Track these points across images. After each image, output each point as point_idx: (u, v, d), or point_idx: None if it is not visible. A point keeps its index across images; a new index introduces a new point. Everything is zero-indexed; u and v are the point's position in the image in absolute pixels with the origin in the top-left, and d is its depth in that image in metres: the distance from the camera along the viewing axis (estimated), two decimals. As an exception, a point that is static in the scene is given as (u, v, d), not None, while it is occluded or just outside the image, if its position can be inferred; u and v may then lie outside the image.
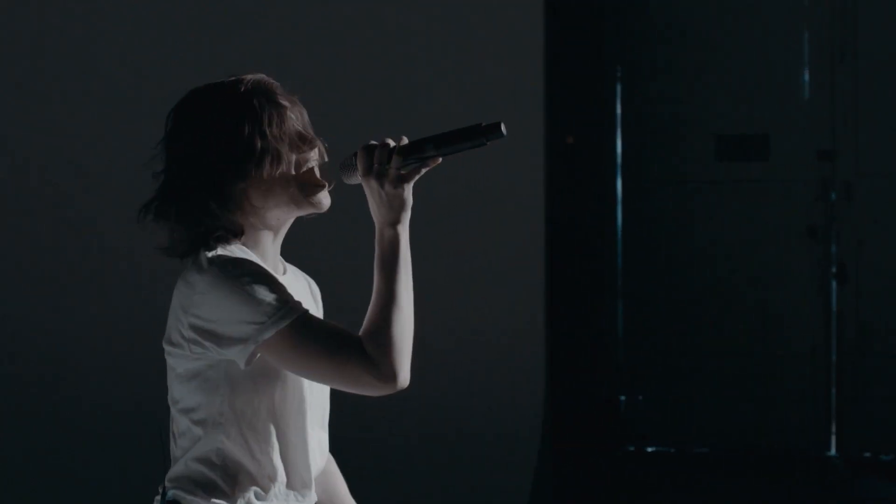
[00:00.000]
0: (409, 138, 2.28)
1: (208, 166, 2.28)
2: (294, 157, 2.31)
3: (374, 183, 2.25)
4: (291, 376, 2.30)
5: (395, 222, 2.27)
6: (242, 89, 2.31)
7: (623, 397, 6.32)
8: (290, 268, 2.50)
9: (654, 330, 6.33)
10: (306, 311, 2.23)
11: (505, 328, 5.27)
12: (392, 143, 2.26)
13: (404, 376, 2.23)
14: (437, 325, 5.33)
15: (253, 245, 2.35)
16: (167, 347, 2.31)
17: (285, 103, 2.33)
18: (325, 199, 2.34)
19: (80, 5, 5.48)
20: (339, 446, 5.00)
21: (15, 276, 5.48)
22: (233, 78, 2.35)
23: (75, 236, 5.45)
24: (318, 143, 2.35)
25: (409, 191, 2.27)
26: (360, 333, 2.24)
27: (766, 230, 6.24)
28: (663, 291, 6.32)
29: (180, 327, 2.26)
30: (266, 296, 2.20)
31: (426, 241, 5.26)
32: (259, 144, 2.28)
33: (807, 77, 6.19)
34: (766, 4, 6.21)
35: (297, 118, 2.33)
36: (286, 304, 2.21)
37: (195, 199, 2.29)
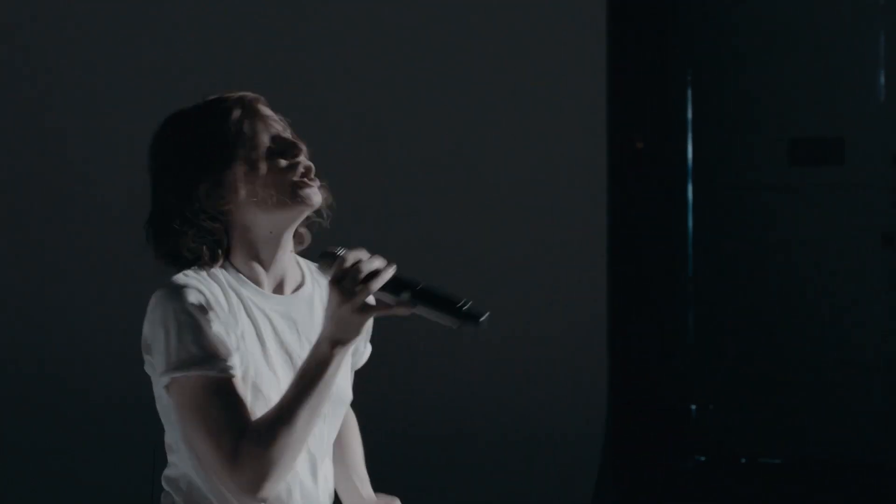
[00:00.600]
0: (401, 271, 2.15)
1: (189, 189, 2.24)
2: (278, 164, 2.26)
3: (336, 294, 2.12)
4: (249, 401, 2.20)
5: (336, 342, 2.13)
6: (221, 105, 2.28)
7: (693, 406, 6.21)
8: (315, 278, 2.42)
9: (726, 338, 6.21)
10: (215, 376, 2.14)
11: (567, 334, 5.20)
12: (373, 267, 2.12)
13: (265, 491, 2.11)
14: (498, 330, 5.28)
15: (244, 262, 2.29)
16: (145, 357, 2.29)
17: (266, 113, 2.30)
18: (313, 195, 2.26)
19: (80, 5, 5.48)
20: (401, 444, 5.00)
21: (17, 277, 5.50)
22: (213, 97, 2.32)
23: (76, 235, 5.46)
24: (303, 148, 2.29)
25: (366, 321, 2.14)
26: (252, 425, 2.13)
27: (840, 237, 6.09)
28: (735, 299, 6.20)
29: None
30: (184, 342, 2.14)
31: (489, 248, 5.25)
32: (238, 161, 2.23)
33: (882, 79, 6.04)
34: (841, 5, 6.07)
35: (279, 127, 2.30)
36: (194, 359, 2.13)
37: (181, 223, 2.25)
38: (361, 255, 2.13)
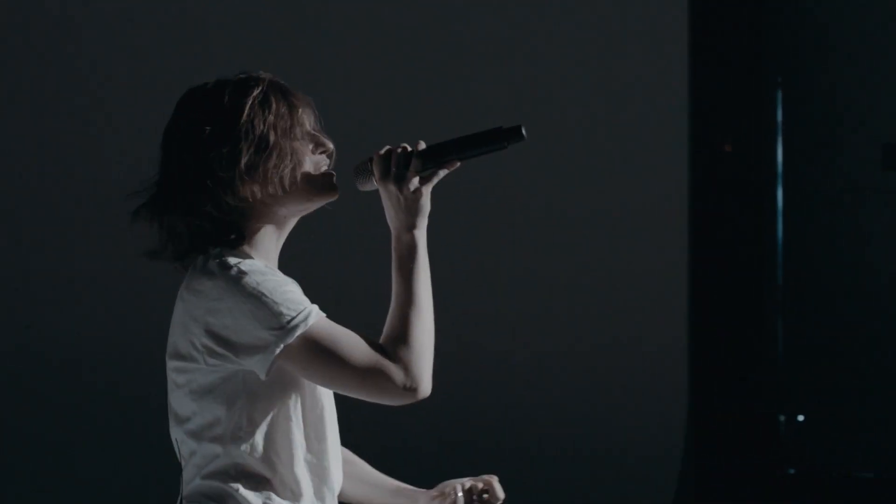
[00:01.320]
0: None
1: (217, 161, 2.22)
2: (307, 158, 2.28)
3: (392, 187, 2.23)
4: (310, 384, 2.26)
5: (412, 227, 2.24)
6: (257, 84, 2.28)
7: (782, 417, 6.06)
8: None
9: (816, 348, 6.04)
10: (325, 316, 2.21)
11: (646, 342, 5.13)
12: (409, 148, 2.25)
13: (426, 385, 2.19)
14: (578, 338, 5.21)
15: (255, 248, 2.30)
16: (175, 363, 2.25)
17: (299, 103, 2.30)
18: (334, 186, 2.31)
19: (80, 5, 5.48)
20: (482, 452, 4.98)
21: (21, 277, 5.51)
22: (243, 74, 2.31)
23: (80, 234, 5.46)
24: (330, 146, 2.32)
25: (427, 195, 2.25)
26: (381, 340, 2.21)
27: (936, 244, 5.93)
28: (825, 307, 6.04)
29: (192, 338, 2.20)
30: (284, 300, 2.17)
31: (569, 254, 5.20)
32: (271, 139, 2.24)
33: (979, 81, 5.87)
34: (938, 5, 5.91)
35: (310, 120, 2.32)
36: (305, 308, 2.18)
37: (200, 195, 2.23)
38: (388, 149, 2.26)
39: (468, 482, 2.44)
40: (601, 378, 5.16)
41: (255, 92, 2.26)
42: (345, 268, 5.13)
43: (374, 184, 2.27)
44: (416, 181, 2.23)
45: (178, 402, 2.25)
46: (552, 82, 5.22)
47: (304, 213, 2.33)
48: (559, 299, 5.26)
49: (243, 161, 2.21)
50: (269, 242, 2.31)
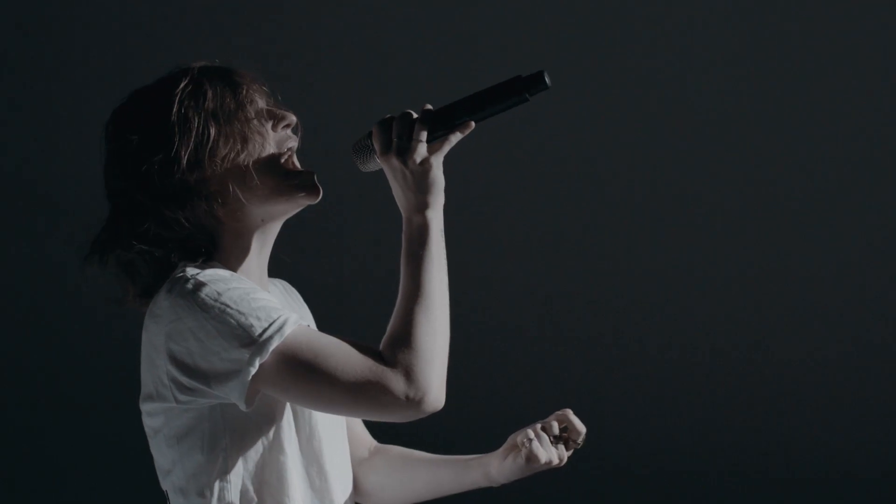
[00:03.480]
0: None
1: (150, 172, 1.88)
2: (266, 139, 1.93)
3: (395, 161, 1.86)
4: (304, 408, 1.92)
5: (423, 206, 1.86)
6: (184, 74, 1.93)
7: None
8: (277, 283, 2.14)
9: None
10: (304, 325, 1.84)
11: (860, 358, 4.76)
12: (413, 114, 1.89)
13: (435, 394, 1.78)
14: (790, 355, 4.85)
15: (230, 264, 1.94)
16: (147, 407, 1.90)
17: (243, 80, 1.95)
18: (316, 186, 1.95)
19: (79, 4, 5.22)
20: (696, 479, 4.65)
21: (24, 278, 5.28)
22: (176, 69, 1.97)
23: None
24: (292, 117, 1.96)
25: (438, 167, 1.87)
26: (381, 343, 1.83)
27: None
28: None
29: (158, 373, 1.85)
30: (251, 310, 1.80)
31: (786, 258, 4.80)
32: (213, 130, 1.88)
33: None
34: None
35: (262, 97, 1.96)
36: (279, 316, 1.81)
37: (142, 217, 1.88)
38: (388, 117, 1.90)
39: (539, 425, 2.04)
40: (816, 400, 4.75)
41: (183, 83, 1.91)
42: (347, 266, 4.83)
43: (377, 162, 1.92)
44: (422, 150, 1.86)
45: (158, 451, 1.92)
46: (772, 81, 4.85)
47: (285, 216, 1.98)
48: (762, 311, 4.90)
49: (183, 163, 1.87)
50: (246, 253, 1.96)
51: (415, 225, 1.86)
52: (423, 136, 1.86)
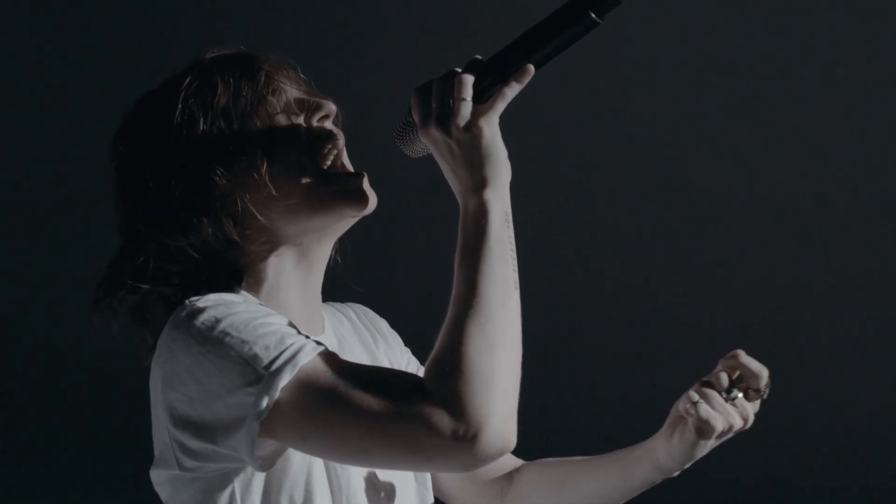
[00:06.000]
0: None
1: (154, 187, 1.54)
2: (297, 136, 1.56)
3: (435, 132, 1.45)
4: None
5: (480, 186, 1.45)
6: (190, 70, 1.59)
7: None
8: (341, 310, 1.77)
9: None
10: (324, 350, 1.44)
11: None
12: (458, 70, 1.48)
13: (497, 426, 1.35)
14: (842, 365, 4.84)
15: (261, 292, 1.58)
16: (153, 475, 1.55)
17: (267, 66, 1.59)
18: (368, 192, 1.57)
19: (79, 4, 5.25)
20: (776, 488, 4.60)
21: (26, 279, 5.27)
22: (189, 64, 1.62)
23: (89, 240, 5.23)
24: (332, 106, 1.59)
25: (492, 132, 1.45)
26: (424, 368, 1.43)
27: None
28: None
29: (161, 432, 1.51)
30: (257, 337, 1.42)
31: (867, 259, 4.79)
32: (224, 130, 1.54)
33: None
34: None
35: (290, 82, 1.60)
36: (292, 343, 1.42)
37: (147, 247, 1.55)
38: (428, 82, 1.50)
39: (703, 381, 1.62)
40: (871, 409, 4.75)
41: (188, 80, 1.57)
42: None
43: (422, 140, 1.52)
44: (466, 112, 1.44)
45: None
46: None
47: (330, 232, 1.59)
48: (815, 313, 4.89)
49: (184, 176, 1.53)
50: (281, 284, 1.59)
51: (470, 211, 1.44)
52: (468, 93, 1.45)
